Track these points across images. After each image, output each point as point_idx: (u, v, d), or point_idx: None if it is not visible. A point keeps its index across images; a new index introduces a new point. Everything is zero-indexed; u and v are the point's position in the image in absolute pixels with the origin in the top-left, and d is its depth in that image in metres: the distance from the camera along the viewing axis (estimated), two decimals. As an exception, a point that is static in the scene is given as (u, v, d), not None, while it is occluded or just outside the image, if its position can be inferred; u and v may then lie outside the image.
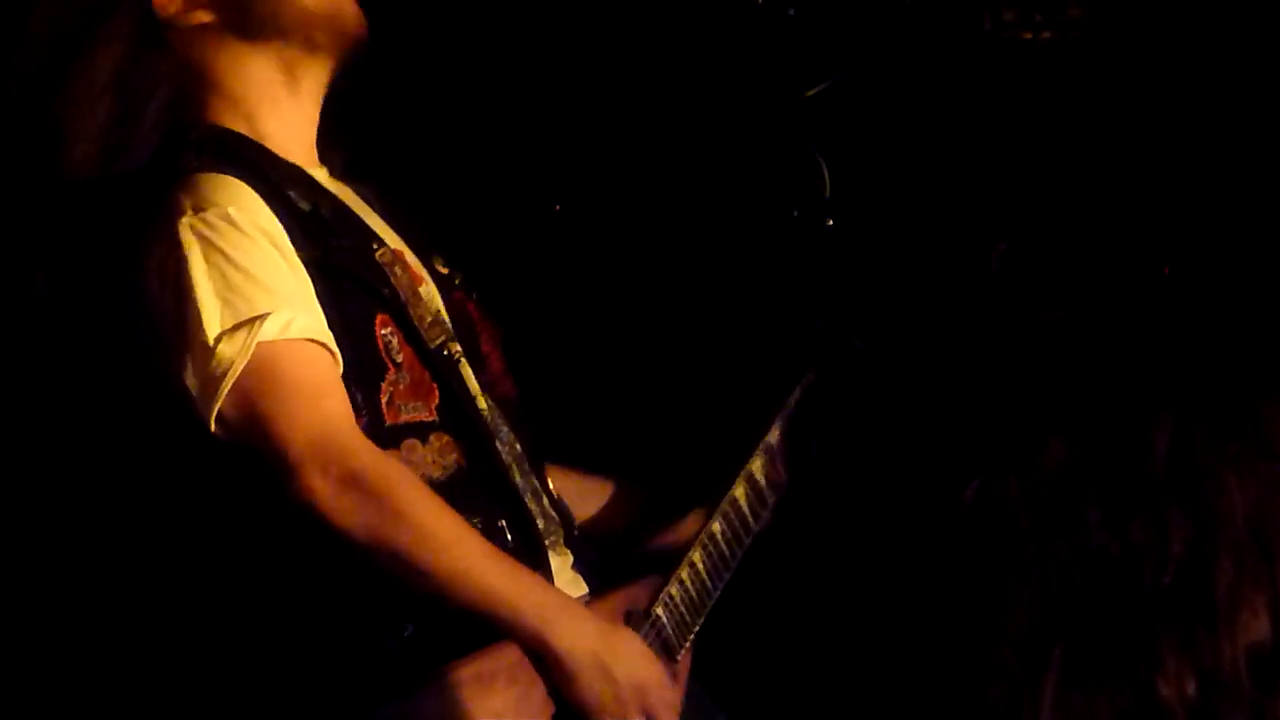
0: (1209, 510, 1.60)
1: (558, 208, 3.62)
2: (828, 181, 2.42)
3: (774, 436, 3.05)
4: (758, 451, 3.02)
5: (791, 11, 2.49)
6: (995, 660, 1.62)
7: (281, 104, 2.79)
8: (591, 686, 2.64)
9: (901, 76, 3.33)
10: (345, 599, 2.65)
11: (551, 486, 2.90)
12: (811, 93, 2.41)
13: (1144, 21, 3.67)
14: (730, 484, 2.98)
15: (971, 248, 3.39)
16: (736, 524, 2.98)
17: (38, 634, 3.32)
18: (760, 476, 3.03)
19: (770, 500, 3.05)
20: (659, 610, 2.84)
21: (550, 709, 2.68)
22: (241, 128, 2.76)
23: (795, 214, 2.43)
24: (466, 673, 2.62)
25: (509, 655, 2.64)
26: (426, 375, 2.73)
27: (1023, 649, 1.60)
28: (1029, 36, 3.68)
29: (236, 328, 2.57)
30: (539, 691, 2.67)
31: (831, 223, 2.42)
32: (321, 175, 2.82)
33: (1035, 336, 3.14)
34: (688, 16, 3.48)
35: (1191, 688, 1.57)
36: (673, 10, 3.56)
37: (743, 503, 2.99)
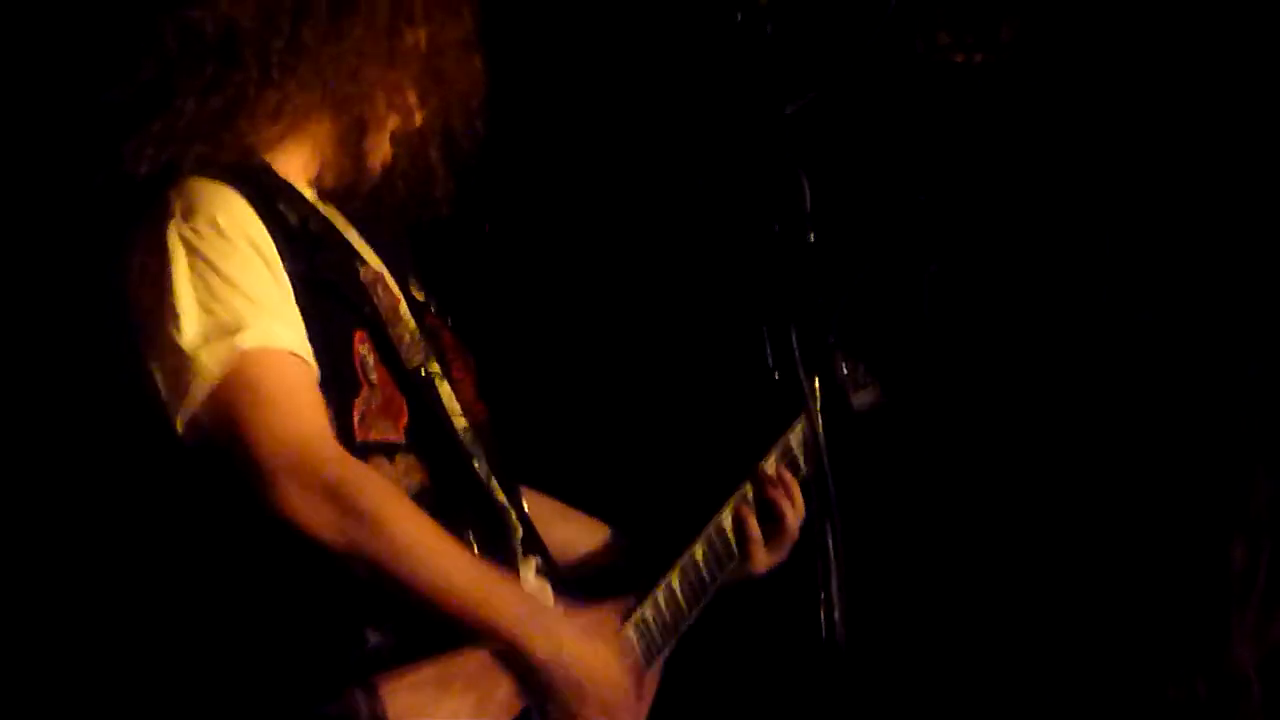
0: None
1: (487, 228, 3.60)
2: (808, 196, 2.44)
3: (769, 463, 3.01)
4: (748, 480, 2.99)
5: (770, 29, 2.51)
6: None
7: (288, 140, 2.79)
8: (562, 697, 2.63)
9: (851, 98, 3.37)
10: (305, 605, 2.60)
11: (525, 505, 2.89)
12: (792, 109, 2.42)
13: (1075, 42, 3.73)
14: (718, 510, 2.96)
15: (904, 268, 3.41)
16: (720, 549, 2.96)
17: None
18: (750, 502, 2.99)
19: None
20: (630, 631, 2.84)
21: (508, 715, 2.66)
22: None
23: (776, 228, 2.44)
24: (424, 675, 2.60)
25: (469, 661, 2.62)
26: (398, 396, 2.71)
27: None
28: (961, 59, 3.71)
29: (218, 336, 2.55)
30: (498, 697, 2.65)
31: (814, 237, 2.43)
32: (311, 194, 2.81)
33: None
34: (668, 34, 3.48)
35: None
36: (654, 28, 3.56)
37: (729, 529, 2.97)
